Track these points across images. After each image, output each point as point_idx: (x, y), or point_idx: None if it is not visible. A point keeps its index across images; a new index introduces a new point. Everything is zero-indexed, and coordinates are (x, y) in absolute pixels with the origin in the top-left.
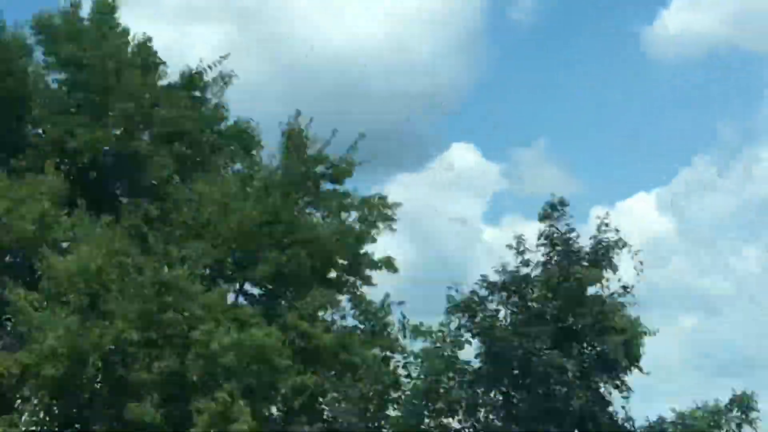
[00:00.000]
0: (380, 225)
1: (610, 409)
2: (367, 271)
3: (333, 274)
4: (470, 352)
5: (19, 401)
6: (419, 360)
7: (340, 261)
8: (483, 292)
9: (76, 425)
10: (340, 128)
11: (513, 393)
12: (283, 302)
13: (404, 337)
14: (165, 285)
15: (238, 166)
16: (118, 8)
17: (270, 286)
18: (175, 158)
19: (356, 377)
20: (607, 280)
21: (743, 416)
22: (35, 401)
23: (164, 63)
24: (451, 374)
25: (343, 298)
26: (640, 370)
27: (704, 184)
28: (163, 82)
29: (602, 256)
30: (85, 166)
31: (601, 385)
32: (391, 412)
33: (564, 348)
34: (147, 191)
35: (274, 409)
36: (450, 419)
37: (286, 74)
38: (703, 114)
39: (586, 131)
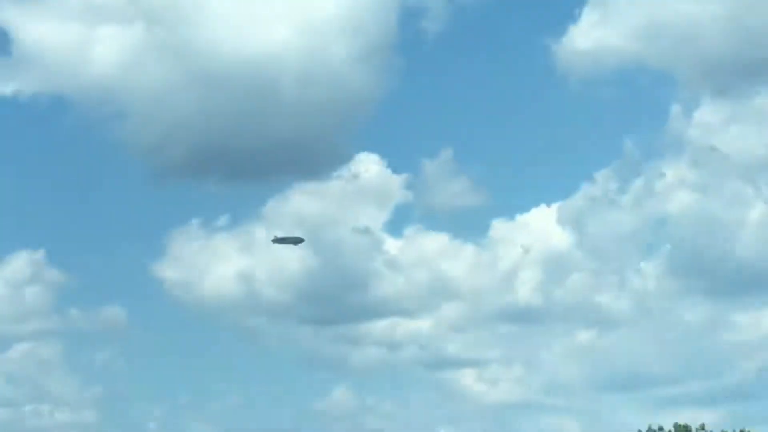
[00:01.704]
0: None
1: None
2: None
3: None
4: None
5: None
6: None
7: None
8: None
9: None
10: (249, 134)
11: None
12: None
13: None
14: None
15: None
16: None
17: None
18: None
19: None
20: None
21: None
22: None
23: None
24: None
25: None
26: None
27: (605, 199)
28: None
29: None
30: None
31: None
32: None
33: None
34: None
35: None
36: None
37: (197, 79)
38: (608, 129)
39: (491, 143)
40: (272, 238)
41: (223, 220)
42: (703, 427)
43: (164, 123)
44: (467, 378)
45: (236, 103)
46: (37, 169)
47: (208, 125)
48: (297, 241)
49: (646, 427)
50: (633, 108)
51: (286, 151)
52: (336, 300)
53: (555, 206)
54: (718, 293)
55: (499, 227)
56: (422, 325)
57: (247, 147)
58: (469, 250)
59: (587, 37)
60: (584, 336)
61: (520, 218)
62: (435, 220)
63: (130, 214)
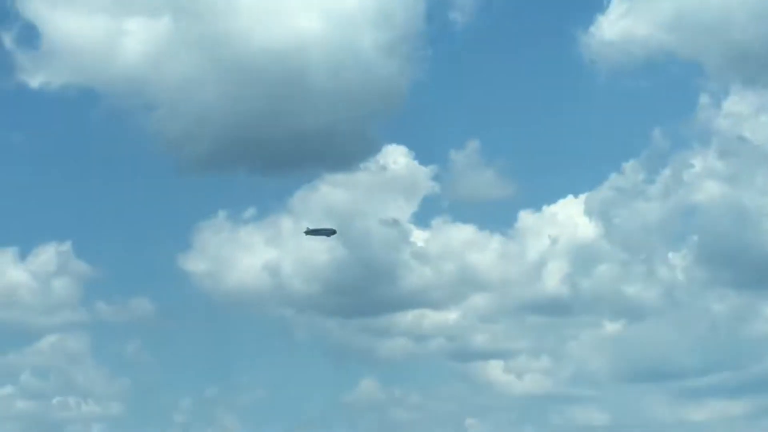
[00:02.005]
0: None
1: None
2: None
3: None
4: None
5: None
6: None
7: None
8: None
9: None
10: (277, 125)
11: None
12: None
13: None
14: None
15: None
16: None
17: None
18: None
19: None
20: None
21: None
22: None
23: None
24: None
25: None
26: None
27: (633, 189)
28: None
29: None
30: None
31: None
32: None
33: None
34: None
35: None
36: None
37: (224, 70)
38: (636, 120)
39: (519, 134)
40: (305, 229)
41: (250, 211)
42: None
43: (192, 114)
44: (494, 369)
45: (264, 95)
46: (64, 161)
47: (236, 117)
48: (329, 232)
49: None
50: (661, 98)
51: (314, 143)
52: (363, 292)
53: (582, 197)
54: (746, 284)
55: (526, 218)
56: (449, 316)
57: (275, 138)
58: (496, 241)
59: (615, 27)
60: (612, 327)
61: (548, 209)
62: (462, 211)
63: (158, 206)
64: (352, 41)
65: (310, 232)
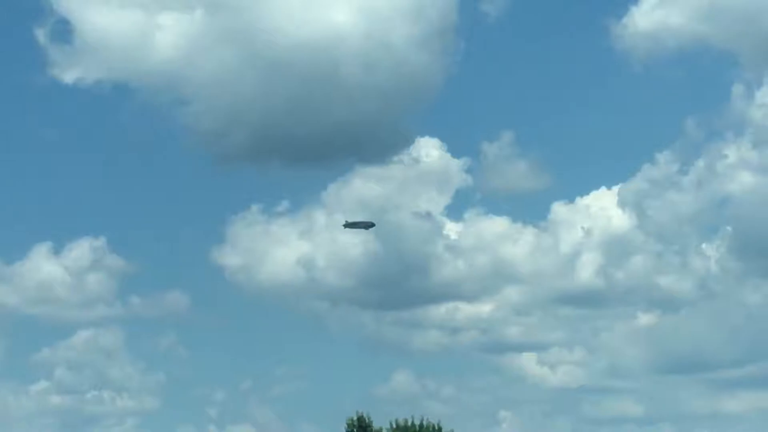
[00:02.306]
0: None
1: None
2: None
3: None
4: None
5: None
6: None
7: None
8: None
9: None
10: (310, 119)
11: None
12: None
13: None
14: None
15: None
16: None
17: None
18: None
19: None
20: None
21: None
22: None
23: None
24: None
25: None
26: None
27: (667, 180)
28: None
29: None
30: None
31: None
32: None
33: None
34: None
35: None
36: None
37: (257, 64)
38: (669, 110)
39: (552, 126)
40: (343, 222)
41: (284, 204)
42: None
43: (226, 109)
44: (528, 362)
45: (297, 89)
46: (98, 156)
47: (269, 111)
48: (368, 225)
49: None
50: (694, 88)
51: (347, 136)
52: (397, 285)
53: (616, 188)
54: None
55: (559, 210)
56: (482, 309)
57: (308, 132)
58: (529, 233)
59: (648, 17)
60: (645, 318)
61: (581, 201)
62: (495, 203)
63: (191, 200)
64: (385, 35)
65: (349, 225)
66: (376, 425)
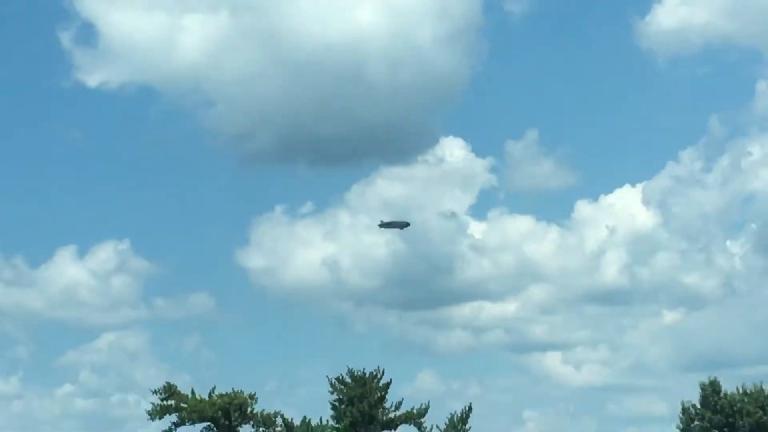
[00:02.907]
0: None
1: None
2: None
3: None
4: None
5: None
6: None
7: None
8: None
9: None
10: (335, 119)
11: None
12: None
13: None
14: None
15: None
16: None
17: None
18: None
19: None
20: None
21: None
22: None
23: None
24: None
25: None
26: None
27: (691, 178)
28: None
29: None
30: None
31: None
32: None
33: None
34: None
35: None
36: None
37: (282, 65)
38: (693, 108)
39: (576, 124)
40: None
41: (308, 206)
42: None
43: (251, 110)
44: (553, 360)
45: (322, 89)
46: (123, 159)
47: (295, 112)
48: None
49: None
50: (719, 86)
51: (373, 137)
52: (422, 285)
53: (640, 186)
54: None
55: (583, 208)
56: (507, 308)
57: (333, 133)
58: (553, 232)
59: (672, 15)
60: (670, 316)
61: (605, 199)
62: (519, 202)
63: (216, 202)
64: (410, 34)
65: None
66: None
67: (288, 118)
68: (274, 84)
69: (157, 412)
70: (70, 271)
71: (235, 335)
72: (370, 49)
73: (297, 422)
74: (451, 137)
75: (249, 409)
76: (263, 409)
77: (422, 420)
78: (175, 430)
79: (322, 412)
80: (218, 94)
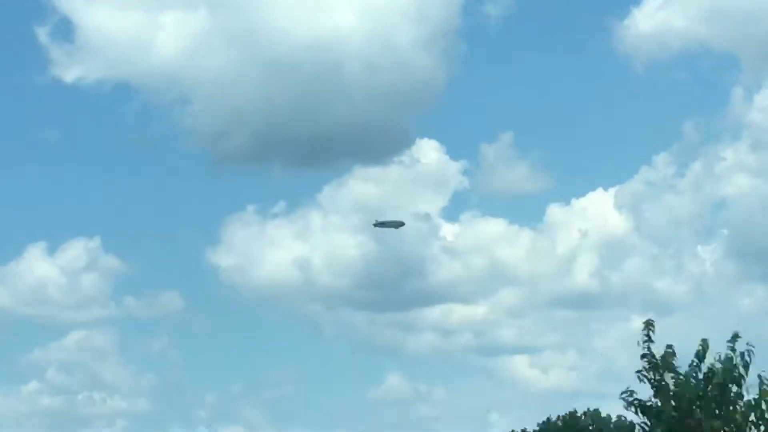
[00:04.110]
0: None
1: None
2: None
3: None
4: None
5: None
6: None
7: None
8: None
9: None
10: (312, 119)
11: None
12: None
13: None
14: None
15: None
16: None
17: None
18: None
19: None
20: None
21: None
22: None
23: None
24: None
25: None
26: None
27: (664, 183)
28: None
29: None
30: None
31: None
32: None
33: None
34: None
35: None
36: None
37: (259, 65)
38: (668, 112)
39: (551, 128)
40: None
41: (280, 206)
42: None
43: (228, 109)
44: (521, 364)
45: (299, 89)
46: (97, 155)
47: (271, 111)
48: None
49: None
50: (694, 91)
51: (348, 137)
52: (392, 286)
53: (612, 190)
54: None
55: (556, 212)
56: (477, 311)
57: (310, 133)
58: (526, 235)
59: (650, 19)
60: (640, 321)
61: (577, 203)
62: (492, 205)
63: (189, 201)
64: (388, 36)
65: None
66: None
67: (265, 118)
68: (251, 83)
69: None
70: (39, 268)
71: (203, 335)
72: (348, 50)
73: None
74: (425, 139)
75: None
76: None
77: None
78: None
79: (287, 413)
80: (195, 93)
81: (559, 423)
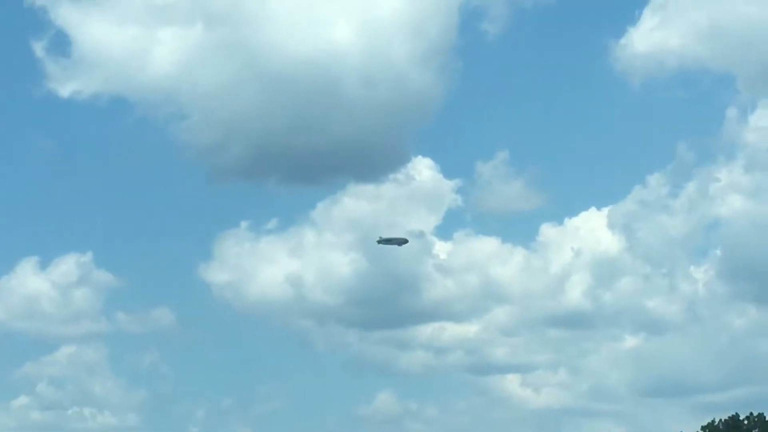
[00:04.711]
0: None
1: None
2: None
3: None
4: None
5: None
6: None
7: None
8: None
9: None
10: (308, 135)
11: None
12: None
13: None
14: None
15: None
16: None
17: None
18: None
19: None
20: None
21: None
22: None
23: None
24: None
25: None
26: None
27: (657, 203)
28: None
29: None
30: None
31: None
32: None
33: None
34: None
35: None
36: None
37: (256, 80)
38: (663, 132)
39: (546, 145)
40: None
41: (273, 222)
42: None
43: (224, 124)
44: (512, 383)
45: (296, 105)
46: (91, 169)
47: (268, 127)
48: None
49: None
50: (690, 111)
51: (345, 153)
52: (385, 304)
53: (606, 210)
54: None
55: (549, 231)
56: (469, 329)
57: (306, 148)
58: (519, 254)
59: (647, 39)
60: (632, 341)
61: (570, 222)
62: (485, 224)
63: (182, 216)
64: (386, 52)
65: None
66: None
67: (261, 133)
68: (247, 98)
69: None
70: (31, 283)
71: (194, 350)
72: (345, 66)
73: None
74: (420, 157)
75: None
76: None
77: None
78: None
79: (277, 428)
80: (191, 107)
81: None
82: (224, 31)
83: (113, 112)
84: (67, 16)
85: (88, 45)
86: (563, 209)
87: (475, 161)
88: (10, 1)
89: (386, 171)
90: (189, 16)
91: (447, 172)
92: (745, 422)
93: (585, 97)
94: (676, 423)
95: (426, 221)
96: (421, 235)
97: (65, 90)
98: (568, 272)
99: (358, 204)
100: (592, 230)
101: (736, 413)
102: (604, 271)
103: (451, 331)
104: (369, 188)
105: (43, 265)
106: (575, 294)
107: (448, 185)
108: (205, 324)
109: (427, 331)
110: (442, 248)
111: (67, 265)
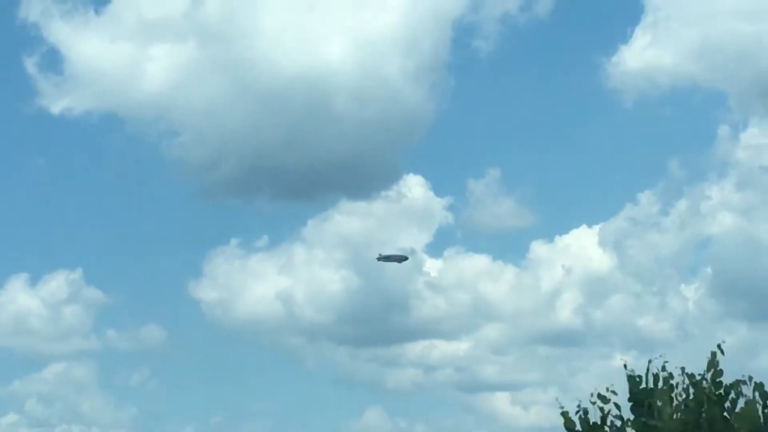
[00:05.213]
0: None
1: None
2: None
3: None
4: None
5: None
6: None
7: None
8: None
9: None
10: (301, 152)
11: None
12: None
13: None
14: None
15: None
16: None
17: None
18: None
19: None
20: None
21: None
22: None
23: None
24: None
25: None
26: None
27: (648, 221)
28: None
29: None
30: None
31: None
32: None
33: None
34: None
35: None
36: None
37: (249, 97)
38: (654, 150)
39: (538, 164)
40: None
41: (263, 239)
42: None
43: (216, 141)
44: (502, 401)
45: (289, 122)
46: (81, 186)
47: (260, 144)
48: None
49: None
50: (681, 128)
51: (337, 170)
52: (375, 321)
53: (596, 227)
54: (759, 317)
55: (539, 248)
56: (459, 347)
57: (299, 166)
58: (509, 271)
59: (639, 57)
60: (622, 359)
61: (560, 240)
62: (476, 241)
63: (173, 234)
64: (378, 69)
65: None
66: None
67: (253, 150)
68: (239, 115)
69: None
70: (21, 300)
71: (184, 368)
72: (337, 83)
73: None
74: (411, 174)
75: None
76: None
77: None
78: None
79: None
80: (183, 125)
81: None
82: (217, 48)
83: (105, 129)
84: (59, 33)
85: (81, 62)
86: (554, 227)
87: (467, 179)
88: (1, 17)
89: (378, 188)
90: (181, 33)
91: (438, 189)
92: None
93: (576, 114)
94: None
95: (417, 239)
96: (412, 252)
97: (57, 107)
98: (559, 290)
99: (349, 221)
100: (583, 248)
101: None
102: (595, 289)
103: (441, 348)
104: (360, 205)
105: (33, 281)
106: (566, 312)
107: (439, 203)
108: (194, 341)
109: (417, 348)
110: (432, 266)
111: (57, 282)
